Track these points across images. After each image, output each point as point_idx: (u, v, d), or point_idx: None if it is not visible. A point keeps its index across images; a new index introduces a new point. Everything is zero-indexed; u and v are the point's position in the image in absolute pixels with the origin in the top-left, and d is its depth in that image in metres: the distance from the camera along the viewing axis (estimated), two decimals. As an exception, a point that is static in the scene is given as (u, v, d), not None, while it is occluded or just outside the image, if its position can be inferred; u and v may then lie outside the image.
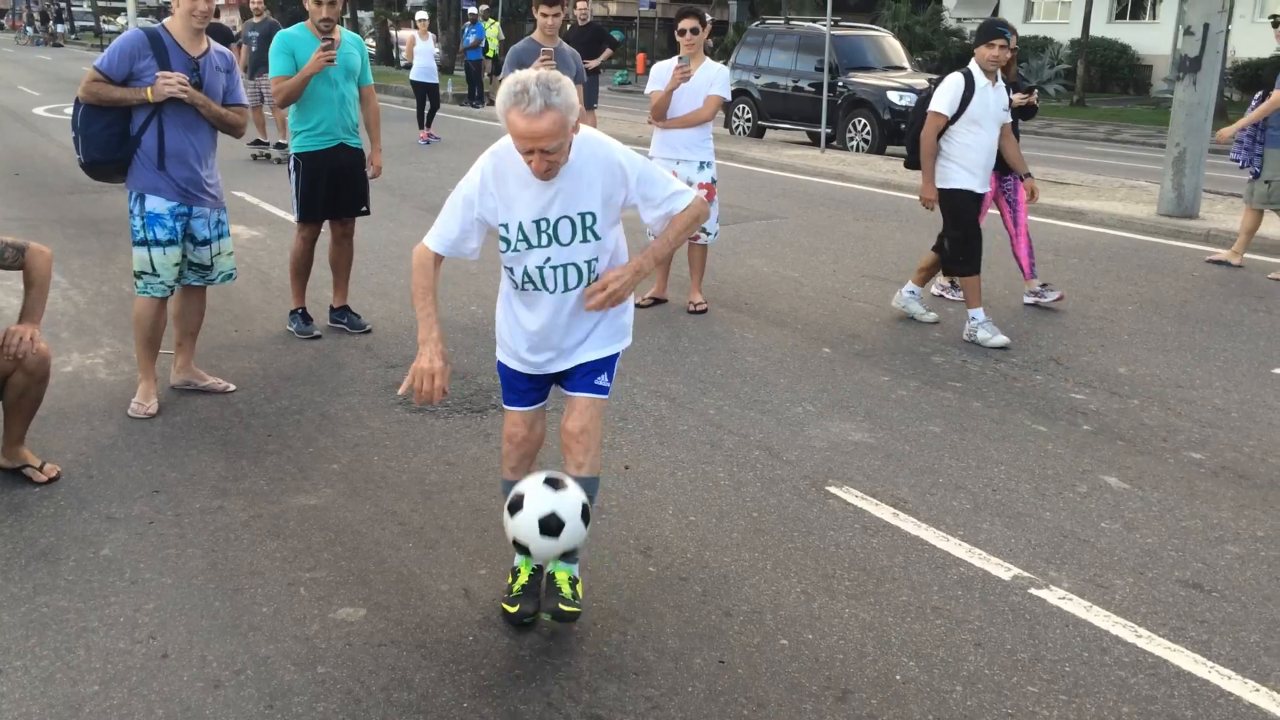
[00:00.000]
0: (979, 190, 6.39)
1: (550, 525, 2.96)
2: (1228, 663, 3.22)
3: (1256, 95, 8.66)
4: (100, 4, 58.64)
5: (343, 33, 6.03)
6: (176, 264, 4.90)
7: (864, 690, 3.05)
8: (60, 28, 52.41)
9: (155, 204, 4.78)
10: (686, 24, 6.78)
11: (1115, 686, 3.10)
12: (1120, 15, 34.40)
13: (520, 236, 3.08)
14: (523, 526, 2.99)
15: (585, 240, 3.09)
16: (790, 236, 9.61)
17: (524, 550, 3.05)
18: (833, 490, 4.36)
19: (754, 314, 6.99)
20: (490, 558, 3.73)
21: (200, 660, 3.10)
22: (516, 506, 3.01)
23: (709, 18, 16.51)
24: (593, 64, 14.95)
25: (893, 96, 15.78)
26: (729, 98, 7.03)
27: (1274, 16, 8.74)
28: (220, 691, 2.96)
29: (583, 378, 3.26)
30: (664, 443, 4.81)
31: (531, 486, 3.02)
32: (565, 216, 3.05)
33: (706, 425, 5.02)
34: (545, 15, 6.74)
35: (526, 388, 3.34)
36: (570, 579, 3.31)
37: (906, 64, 17.74)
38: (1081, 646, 3.30)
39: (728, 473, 4.51)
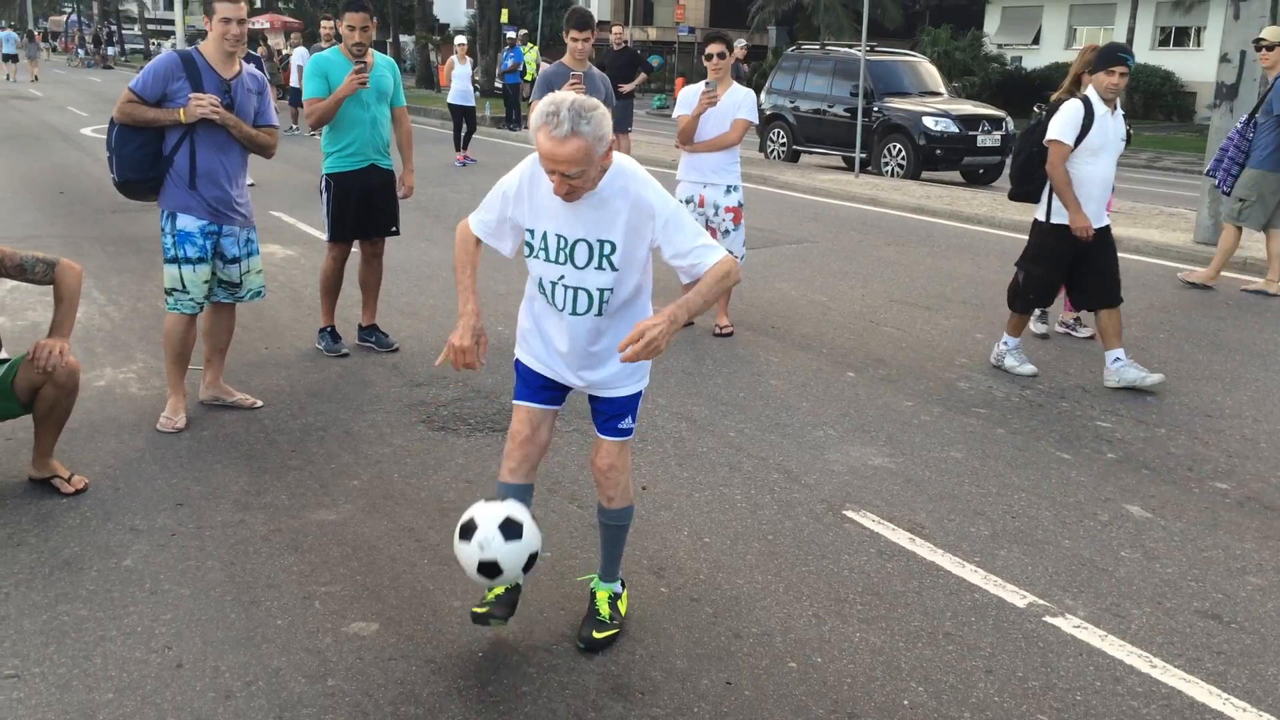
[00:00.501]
0: (1096, 225, 6.04)
1: (487, 569, 3.00)
2: (1243, 695, 3.18)
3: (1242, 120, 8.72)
4: (150, 28, 59.84)
5: (375, 56, 6.13)
6: (206, 281, 4.99)
7: (871, 715, 3.04)
8: (111, 50, 53.49)
9: (186, 222, 4.87)
10: (713, 48, 6.83)
11: (1127, 717, 3.07)
12: (1164, 42, 34.15)
13: (541, 245, 3.11)
14: (463, 557, 3.03)
15: (600, 268, 3.06)
16: (820, 261, 9.61)
17: (467, 535, 3.05)
18: (849, 514, 4.35)
19: (779, 337, 6.99)
20: (504, 575, 3.75)
21: (213, 671, 3.14)
22: (467, 533, 3.02)
23: (744, 42, 16.46)
24: (626, 88, 15.06)
25: (928, 122, 15.75)
26: (756, 122, 7.06)
27: (1258, 41, 8.66)
28: (231, 702, 3.00)
29: (607, 421, 3.28)
30: (682, 464, 4.82)
31: (487, 523, 3.01)
32: (583, 240, 3.05)
33: (726, 447, 5.03)
34: (575, 40, 6.82)
35: (540, 384, 3.31)
36: (611, 596, 3.39)
37: (943, 89, 17.70)
38: (1094, 675, 3.27)
39: (745, 495, 4.51)
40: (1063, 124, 5.96)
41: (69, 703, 2.97)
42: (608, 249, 3.05)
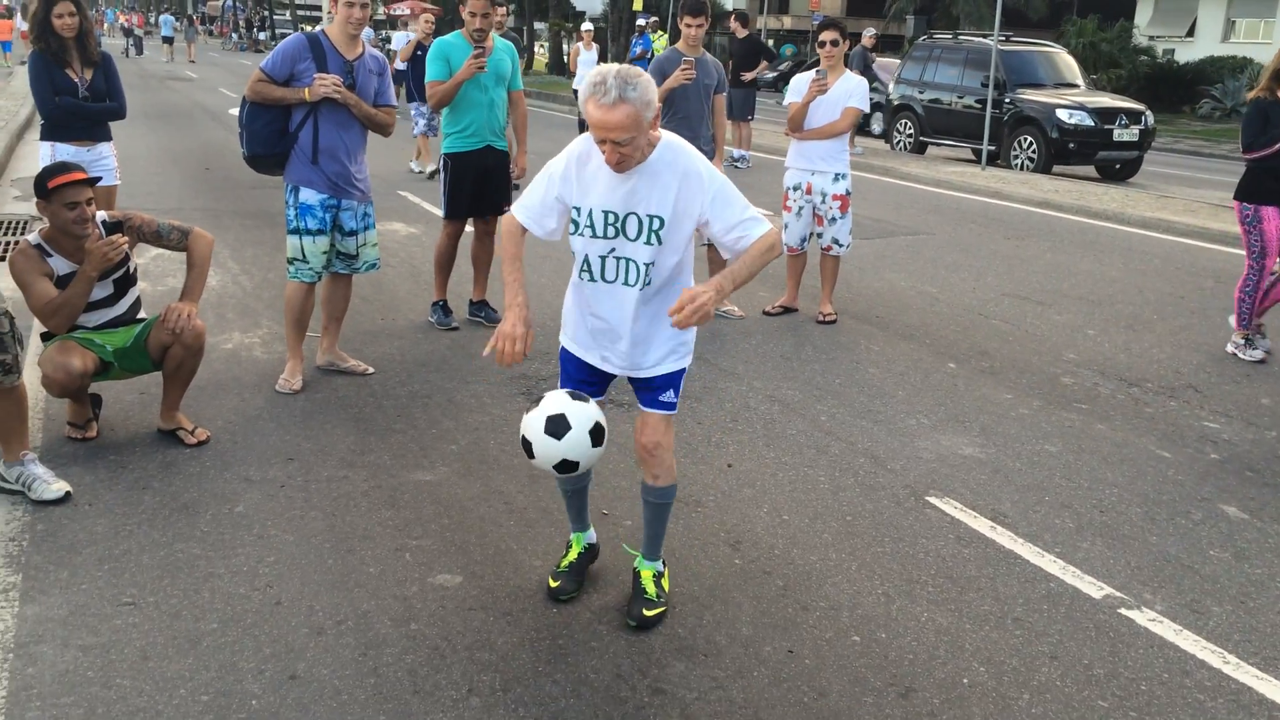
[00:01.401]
0: None
1: (556, 426, 3.05)
2: (1318, 697, 3.12)
3: None
4: (299, 13, 62.15)
5: (495, 40, 6.34)
6: (325, 252, 5.28)
7: (928, 690, 3.09)
8: (262, 35, 55.77)
9: (308, 195, 5.16)
10: (827, 36, 6.85)
11: (1190, 708, 3.05)
12: (1328, 34, 32.32)
13: (588, 222, 3.16)
14: (531, 422, 3.10)
15: (649, 243, 3.13)
16: (934, 253, 9.50)
17: (527, 449, 3.10)
18: (932, 500, 4.37)
19: (883, 327, 6.98)
20: (585, 539, 3.91)
21: (308, 609, 3.38)
22: (533, 405, 3.13)
23: (873, 31, 16.24)
24: (748, 76, 15.09)
25: (1062, 114, 15.33)
26: (867, 110, 7.05)
27: None
28: (322, 638, 3.23)
29: (650, 394, 3.32)
30: (770, 445, 4.90)
31: (554, 393, 3.14)
32: (633, 214, 3.12)
33: (816, 431, 5.09)
34: (689, 25, 6.91)
35: (582, 379, 3.38)
36: (655, 575, 3.47)
37: (1080, 81, 17.19)
38: (1163, 668, 3.25)
39: (829, 477, 4.57)
40: None
41: (177, 630, 3.24)
42: (657, 224, 3.11)
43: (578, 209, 3.19)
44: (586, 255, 3.22)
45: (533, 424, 3.10)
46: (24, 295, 4.33)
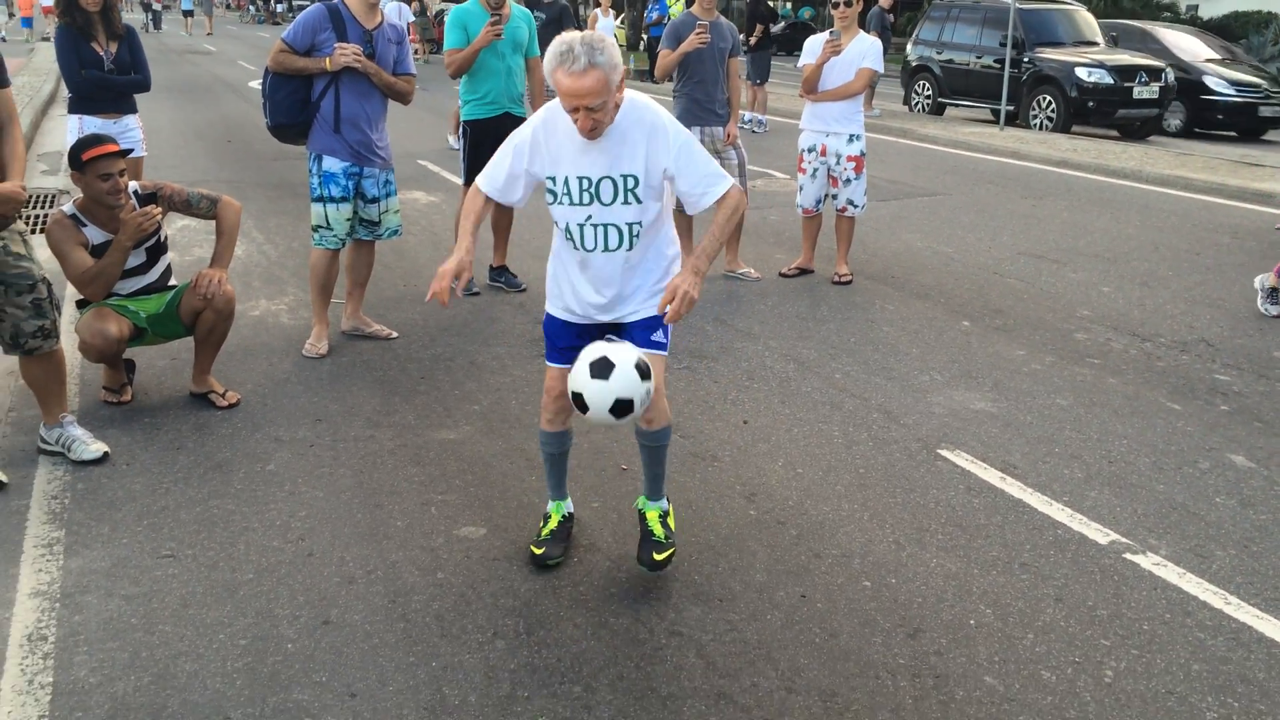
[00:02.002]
0: None
1: (601, 368, 3.00)
2: (1316, 634, 3.22)
3: None
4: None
5: (513, 7, 6.41)
6: (348, 219, 5.40)
7: (935, 630, 3.21)
8: (280, 7, 55.73)
9: (331, 164, 5.28)
10: (841, -3, 6.87)
11: (1190, 646, 3.15)
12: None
13: (565, 190, 3.18)
14: (576, 375, 3.06)
15: (627, 202, 3.18)
16: (950, 213, 9.54)
17: (579, 403, 3.05)
18: (943, 453, 4.47)
19: (899, 287, 7.05)
20: (604, 493, 4.04)
21: (339, 560, 3.53)
22: (603, 371, 3.03)
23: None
24: (751, 40, 15.09)
25: (1080, 72, 15.23)
26: (881, 70, 7.08)
27: None
28: (353, 586, 3.37)
29: (640, 333, 3.34)
30: (785, 402, 5.01)
31: (624, 364, 3.03)
32: (607, 177, 3.16)
33: (830, 388, 5.19)
34: (704, -12, 6.95)
35: (568, 344, 3.36)
36: (660, 516, 3.54)
37: (1100, 39, 17.04)
38: (1165, 608, 3.35)
39: (843, 431, 4.68)
40: None
41: (215, 580, 3.40)
42: (632, 182, 3.16)
43: (552, 178, 3.20)
44: (567, 223, 3.25)
45: (579, 375, 3.05)
46: (60, 265, 4.47)
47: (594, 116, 3.00)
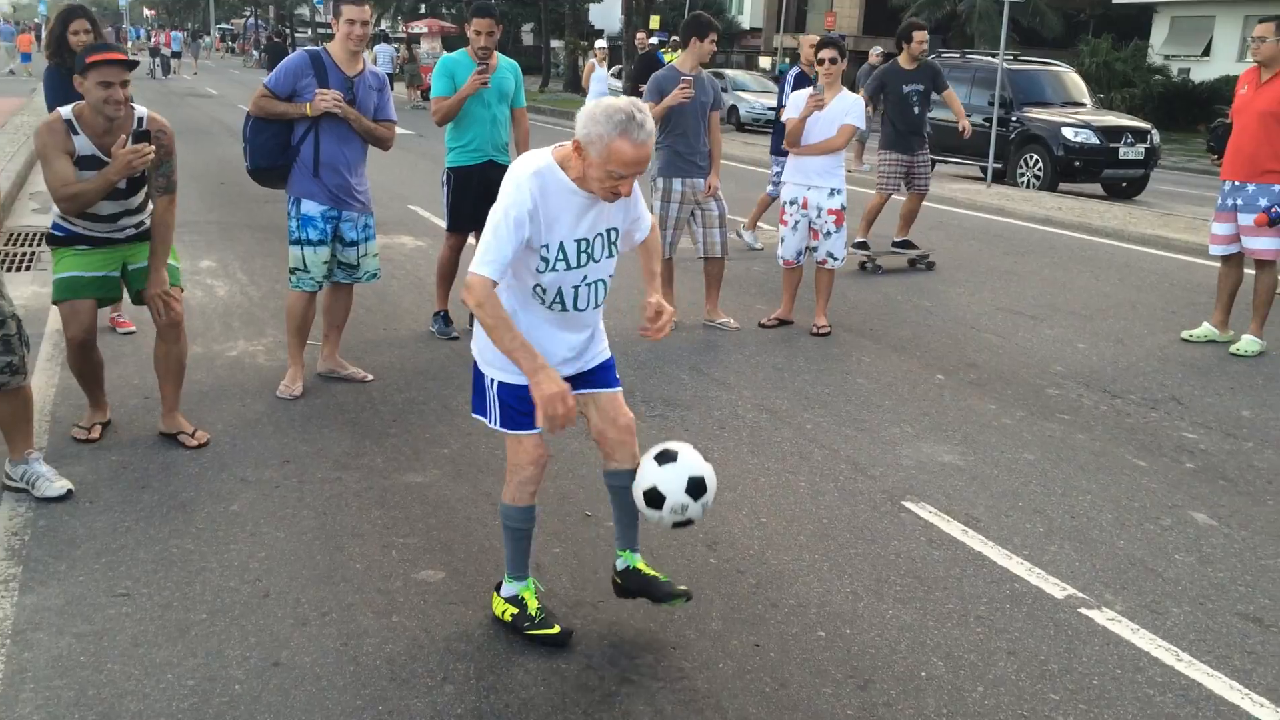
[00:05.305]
0: None
1: (664, 457, 3.21)
2: (1265, 692, 3.22)
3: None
4: (319, 31, 62.78)
5: (500, 58, 6.51)
6: (326, 262, 5.45)
7: (886, 682, 3.21)
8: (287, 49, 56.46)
9: (309, 207, 5.34)
10: (826, 54, 6.98)
11: (1139, 702, 3.15)
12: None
13: (560, 256, 3.11)
14: (644, 473, 3.21)
15: (610, 255, 3.25)
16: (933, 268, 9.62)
17: (653, 495, 3.14)
18: (908, 505, 4.48)
19: (876, 339, 7.10)
20: (565, 539, 4.05)
21: (295, 602, 3.52)
22: (698, 491, 3.16)
23: (880, 49, 16.33)
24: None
25: (1067, 132, 15.45)
26: (863, 127, 7.19)
27: None
28: (306, 628, 3.37)
29: (608, 375, 3.41)
30: (755, 452, 5.03)
31: (711, 479, 3.21)
32: (599, 234, 3.20)
33: (800, 439, 5.21)
34: (699, 43, 7.04)
35: (527, 408, 3.14)
36: (648, 564, 3.51)
37: (1087, 100, 17.30)
38: (1116, 664, 3.35)
39: (809, 482, 4.69)
40: None
41: (168, 619, 3.39)
42: (614, 235, 3.24)
43: (546, 246, 3.09)
44: (560, 288, 3.16)
45: (646, 473, 3.20)
46: (42, 168, 4.47)
47: (632, 181, 3.04)
